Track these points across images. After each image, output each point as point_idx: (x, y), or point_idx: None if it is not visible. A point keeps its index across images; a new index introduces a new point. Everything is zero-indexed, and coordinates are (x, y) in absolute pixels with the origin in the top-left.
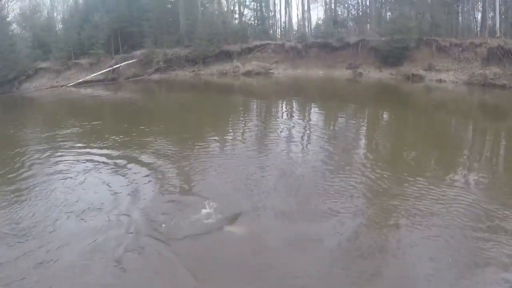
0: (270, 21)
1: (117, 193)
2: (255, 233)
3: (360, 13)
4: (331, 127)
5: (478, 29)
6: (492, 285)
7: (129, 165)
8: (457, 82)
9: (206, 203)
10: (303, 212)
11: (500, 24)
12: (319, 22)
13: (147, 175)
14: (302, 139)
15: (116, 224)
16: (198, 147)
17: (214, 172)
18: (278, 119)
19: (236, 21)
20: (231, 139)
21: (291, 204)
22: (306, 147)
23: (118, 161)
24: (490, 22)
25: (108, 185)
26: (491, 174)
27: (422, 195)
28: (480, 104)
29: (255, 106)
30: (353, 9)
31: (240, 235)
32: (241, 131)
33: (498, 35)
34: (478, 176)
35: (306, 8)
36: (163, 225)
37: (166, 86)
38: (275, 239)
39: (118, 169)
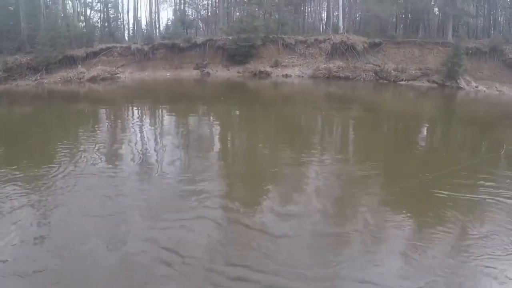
0: (118, 23)
1: None
2: None
3: (210, 14)
4: (181, 131)
5: (323, 27)
6: None
7: None
8: (302, 76)
9: None
10: None
11: (343, 21)
12: (169, 23)
13: None
14: (155, 150)
15: None
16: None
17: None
18: (126, 127)
19: (82, 24)
20: (82, 156)
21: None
22: (160, 158)
23: None
24: (334, 20)
25: None
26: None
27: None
28: (325, 95)
29: (101, 115)
30: (202, 10)
31: None
32: (92, 145)
33: (341, 31)
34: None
35: (154, 9)
36: None
37: (7, 99)
38: None
39: None
